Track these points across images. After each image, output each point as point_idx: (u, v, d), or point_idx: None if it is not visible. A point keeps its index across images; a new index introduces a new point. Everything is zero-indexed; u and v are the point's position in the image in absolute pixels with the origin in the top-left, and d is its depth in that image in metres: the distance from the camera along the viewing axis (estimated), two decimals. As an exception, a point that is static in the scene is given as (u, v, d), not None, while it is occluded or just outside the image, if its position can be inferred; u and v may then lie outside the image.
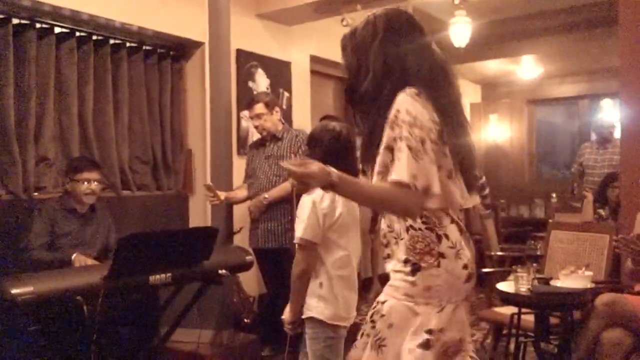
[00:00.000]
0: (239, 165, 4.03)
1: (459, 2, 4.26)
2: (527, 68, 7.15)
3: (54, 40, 3.57)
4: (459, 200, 1.56)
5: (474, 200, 1.59)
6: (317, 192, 2.23)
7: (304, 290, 2.27)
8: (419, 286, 1.51)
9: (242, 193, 3.76)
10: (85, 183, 3.17)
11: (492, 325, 3.58)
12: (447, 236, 1.52)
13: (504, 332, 3.43)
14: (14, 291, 2.29)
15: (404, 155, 1.43)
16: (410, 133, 1.43)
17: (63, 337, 2.81)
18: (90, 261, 3.06)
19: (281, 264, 3.42)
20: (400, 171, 1.43)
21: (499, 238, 5.12)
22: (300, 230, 2.23)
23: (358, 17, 4.50)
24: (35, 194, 3.45)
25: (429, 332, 1.49)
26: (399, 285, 1.54)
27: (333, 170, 1.46)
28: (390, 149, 1.47)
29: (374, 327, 1.56)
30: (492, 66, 7.05)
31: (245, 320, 3.97)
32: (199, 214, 4.33)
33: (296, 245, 2.26)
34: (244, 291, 4.03)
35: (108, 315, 2.68)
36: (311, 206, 2.21)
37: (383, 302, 1.56)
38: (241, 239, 3.84)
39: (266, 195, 3.55)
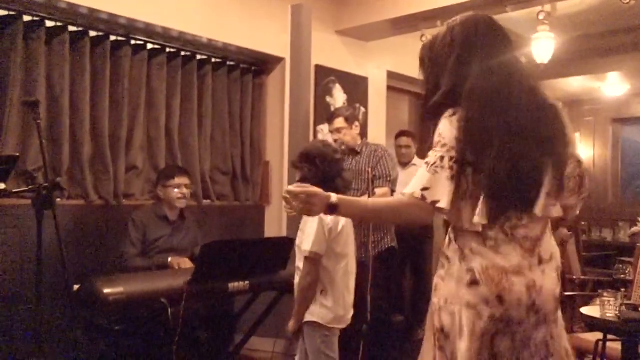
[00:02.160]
0: (315, 179, 4.08)
1: (543, 18, 4.14)
2: (612, 85, 6.83)
3: (146, 55, 3.77)
4: (466, 222, 1.53)
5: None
6: None
7: (310, 300, 2.47)
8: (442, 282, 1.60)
9: (319, 205, 3.81)
10: (177, 188, 3.34)
11: (574, 352, 3.42)
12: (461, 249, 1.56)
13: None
14: (106, 291, 2.43)
15: (421, 170, 1.54)
16: (434, 150, 1.53)
17: (146, 337, 2.94)
18: (184, 262, 3.17)
19: (355, 276, 3.42)
20: (413, 185, 1.53)
21: (580, 262, 4.90)
22: (309, 243, 2.42)
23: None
24: (124, 200, 3.64)
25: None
26: (435, 282, 1.63)
27: (332, 193, 1.59)
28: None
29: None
30: (575, 83, 6.79)
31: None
32: (274, 225, 4.42)
33: (304, 258, 2.44)
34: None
35: (188, 319, 2.78)
36: (318, 221, 2.41)
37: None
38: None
39: (343, 208, 3.58)
